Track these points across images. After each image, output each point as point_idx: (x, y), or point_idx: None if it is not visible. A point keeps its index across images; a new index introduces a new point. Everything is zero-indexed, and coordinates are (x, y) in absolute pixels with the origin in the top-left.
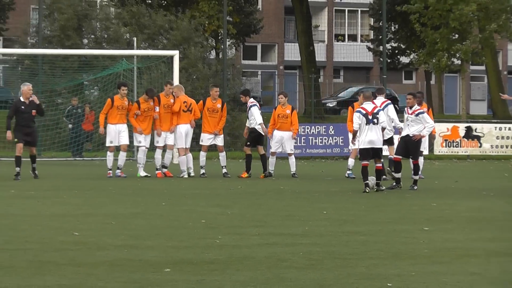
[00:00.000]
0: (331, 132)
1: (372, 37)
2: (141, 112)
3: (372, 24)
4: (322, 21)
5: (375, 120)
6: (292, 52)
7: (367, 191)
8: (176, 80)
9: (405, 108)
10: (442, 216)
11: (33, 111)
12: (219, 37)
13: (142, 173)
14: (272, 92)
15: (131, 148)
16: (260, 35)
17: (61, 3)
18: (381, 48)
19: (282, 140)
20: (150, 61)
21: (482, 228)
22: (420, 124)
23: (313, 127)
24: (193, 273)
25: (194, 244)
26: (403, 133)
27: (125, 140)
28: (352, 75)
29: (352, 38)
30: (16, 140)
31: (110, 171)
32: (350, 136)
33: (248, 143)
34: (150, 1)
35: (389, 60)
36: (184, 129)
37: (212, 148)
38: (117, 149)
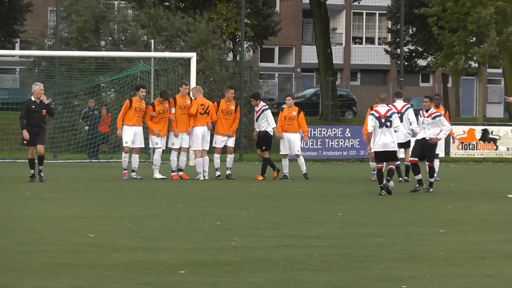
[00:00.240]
0: (347, 134)
1: (389, 40)
2: (156, 114)
3: (389, 27)
4: (340, 23)
5: (388, 123)
6: (310, 54)
7: (383, 193)
8: (193, 83)
9: (420, 111)
10: (458, 219)
11: (43, 110)
12: (237, 40)
13: (157, 175)
14: None
15: (146, 150)
16: (278, 37)
17: (78, 5)
18: (398, 50)
19: (289, 141)
20: (168, 63)
21: (498, 230)
22: (437, 127)
23: (329, 129)
24: (208, 275)
25: (209, 246)
26: (419, 136)
27: (139, 143)
28: (369, 77)
29: (370, 41)
30: (25, 142)
31: (126, 171)
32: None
33: (264, 147)
34: (168, 3)
35: (406, 63)
36: (201, 131)
37: (223, 150)
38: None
